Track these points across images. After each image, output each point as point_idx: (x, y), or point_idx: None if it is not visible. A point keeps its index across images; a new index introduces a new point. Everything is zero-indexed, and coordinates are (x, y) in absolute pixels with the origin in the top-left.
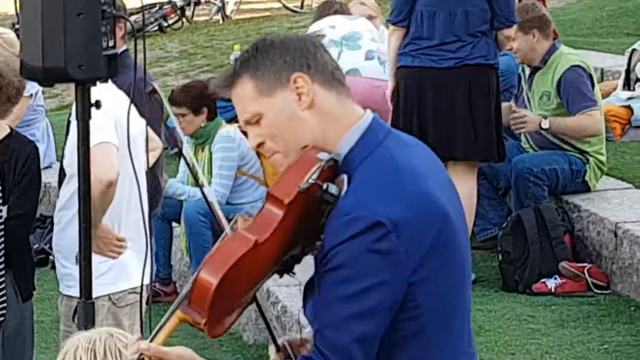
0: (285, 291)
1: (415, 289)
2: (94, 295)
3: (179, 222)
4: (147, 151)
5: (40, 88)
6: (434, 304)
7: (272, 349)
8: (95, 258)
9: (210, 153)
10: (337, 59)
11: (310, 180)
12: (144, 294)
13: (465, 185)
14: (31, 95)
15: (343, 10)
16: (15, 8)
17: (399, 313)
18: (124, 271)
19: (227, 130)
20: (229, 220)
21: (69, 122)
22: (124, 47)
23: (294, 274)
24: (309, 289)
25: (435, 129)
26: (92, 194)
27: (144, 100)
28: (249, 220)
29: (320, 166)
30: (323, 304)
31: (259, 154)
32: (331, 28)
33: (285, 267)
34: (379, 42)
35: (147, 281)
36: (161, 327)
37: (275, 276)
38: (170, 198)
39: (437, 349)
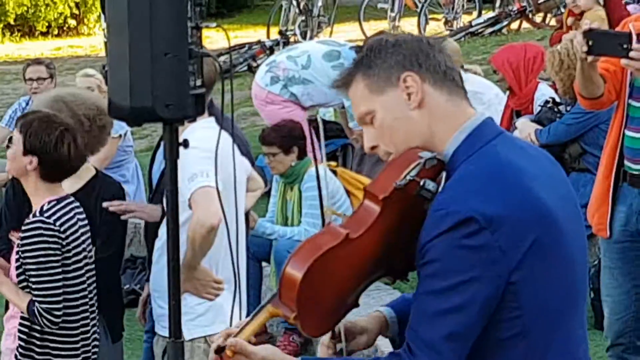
0: None
1: (517, 289)
2: (192, 336)
3: (268, 261)
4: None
5: (129, 129)
6: (538, 306)
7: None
8: (193, 300)
9: (300, 192)
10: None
11: (408, 177)
12: None
13: None
14: (120, 136)
15: None
16: (105, 49)
17: (499, 313)
18: (221, 313)
19: None
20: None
21: None
22: None
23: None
24: None
25: None
26: (193, 237)
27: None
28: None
29: (420, 163)
30: (417, 299)
31: (348, 193)
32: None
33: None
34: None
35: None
36: (250, 320)
37: None
38: (260, 237)
39: (541, 353)
